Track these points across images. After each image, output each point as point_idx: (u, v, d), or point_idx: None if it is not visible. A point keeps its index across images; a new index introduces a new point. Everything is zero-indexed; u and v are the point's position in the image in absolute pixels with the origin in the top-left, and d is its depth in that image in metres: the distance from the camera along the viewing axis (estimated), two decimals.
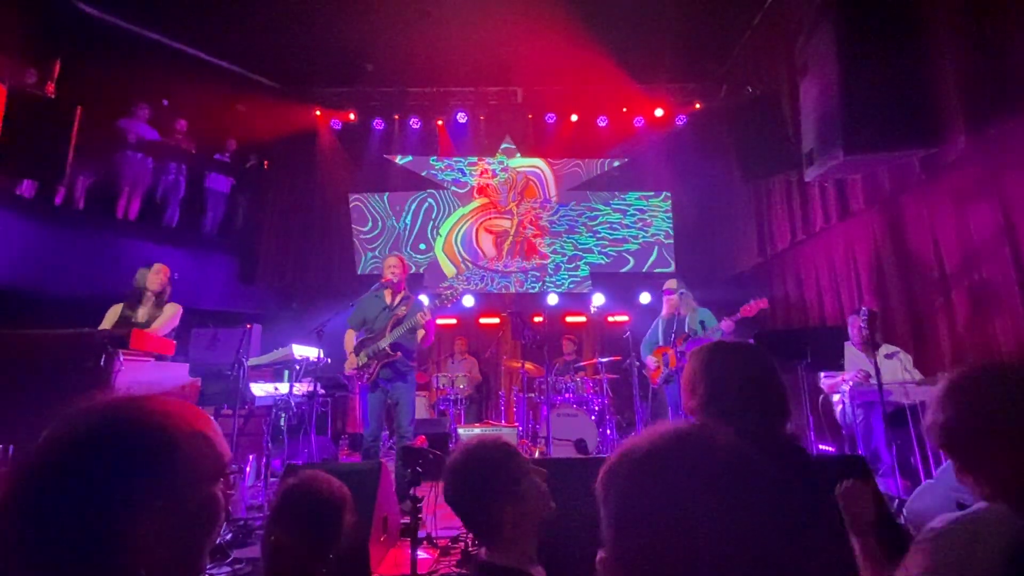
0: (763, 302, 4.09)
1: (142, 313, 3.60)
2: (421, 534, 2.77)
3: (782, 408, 1.22)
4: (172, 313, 3.64)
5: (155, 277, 3.66)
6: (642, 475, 0.59)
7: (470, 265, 7.70)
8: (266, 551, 1.40)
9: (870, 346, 3.81)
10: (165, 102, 6.70)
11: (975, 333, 3.80)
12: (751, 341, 3.48)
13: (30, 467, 0.57)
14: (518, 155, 7.91)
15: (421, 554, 2.49)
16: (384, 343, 3.79)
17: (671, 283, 4.73)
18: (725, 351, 1.30)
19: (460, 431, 5.11)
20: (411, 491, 2.18)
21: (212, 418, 0.69)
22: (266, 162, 7.51)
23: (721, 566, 0.53)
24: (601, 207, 7.80)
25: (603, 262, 7.69)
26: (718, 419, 1.21)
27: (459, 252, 7.75)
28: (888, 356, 3.75)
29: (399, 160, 7.84)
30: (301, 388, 4.36)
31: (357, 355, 3.88)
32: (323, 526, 1.41)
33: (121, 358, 2.77)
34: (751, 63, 6.27)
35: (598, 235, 7.76)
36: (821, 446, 4.26)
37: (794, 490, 1.05)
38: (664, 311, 4.73)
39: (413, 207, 7.78)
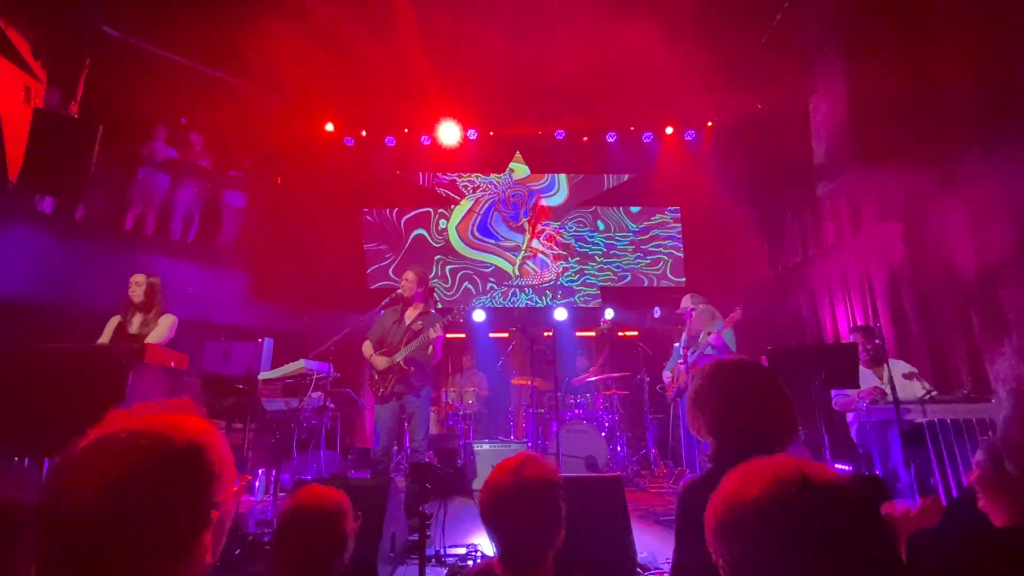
0: (736, 313, 4.17)
1: (135, 323, 3.56)
2: (429, 551, 2.75)
3: (791, 425, 1.22)
4: (168, 324, 3.57)
5: (136, 289, 3.58)
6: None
7: (497, 247, 7.77)
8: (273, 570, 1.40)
9: (873, 362, 3.76)
10: (183, 120, 6.86)
11: (994, 349, 3.72)
12: (762, 358, 3.44)
13: (109, 491, 0.59)
14: (528, 171, 7.96)
15: (429, 572, 2.47)
16: (398, 357, 3.80)
17: (685, 300, 4.71)
18: (731, 370, 1.27)
19: (475, 447, 5.08)
20: (420, 508, 2.16)
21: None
22: (279, 178, 7.63)
23: None
24: (611, 222, 7.81)
25: (613, 281, 7.67)
26: (729, 438, 1.22)
27: (477, 238, 7.81)
28: (907, 376, 3.68)
29: (409, 175, 7.92)
30: (311, 402, 4.37)
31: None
32: (326, 538, 1.42)
33: (135, 373, 2.80)
34: (761, 79, 6.30)
35: (608, 251, 7.75)
36: (837, 465, 4.17)
37: None
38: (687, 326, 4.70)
39: (424, 222, 7.84)
